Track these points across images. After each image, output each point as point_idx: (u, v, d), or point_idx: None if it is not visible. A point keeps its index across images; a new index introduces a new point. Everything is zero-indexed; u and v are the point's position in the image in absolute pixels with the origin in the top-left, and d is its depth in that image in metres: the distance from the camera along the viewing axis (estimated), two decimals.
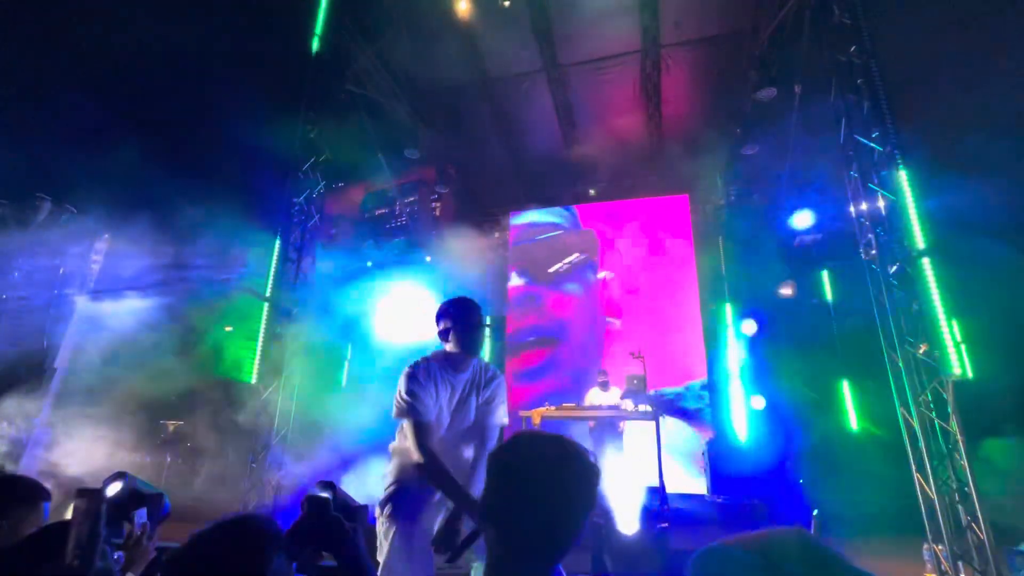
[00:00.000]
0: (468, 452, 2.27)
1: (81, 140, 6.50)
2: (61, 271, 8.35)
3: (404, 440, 2.21)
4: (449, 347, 2.28)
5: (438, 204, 10.80)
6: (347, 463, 8.15)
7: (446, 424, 2.25)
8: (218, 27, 6.19)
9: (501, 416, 2.29)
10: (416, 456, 2.06)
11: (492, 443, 2.28)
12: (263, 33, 6.37)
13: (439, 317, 2.32)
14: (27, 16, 5.88)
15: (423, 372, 2.19)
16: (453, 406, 2.26)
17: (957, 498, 3.70)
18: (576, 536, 0.89)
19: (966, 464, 3.66)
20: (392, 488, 2.15)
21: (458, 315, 2.28)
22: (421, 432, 2.07)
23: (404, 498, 2.10)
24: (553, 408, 5.64)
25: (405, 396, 2.15)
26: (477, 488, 2.06)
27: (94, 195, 6.69)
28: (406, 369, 2.24)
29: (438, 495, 2.13)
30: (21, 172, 6.41)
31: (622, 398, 5.69)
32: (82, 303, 7.71)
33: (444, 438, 2.23)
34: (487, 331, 2.39)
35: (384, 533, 2.06)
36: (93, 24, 6.06)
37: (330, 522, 1.11)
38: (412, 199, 10.41)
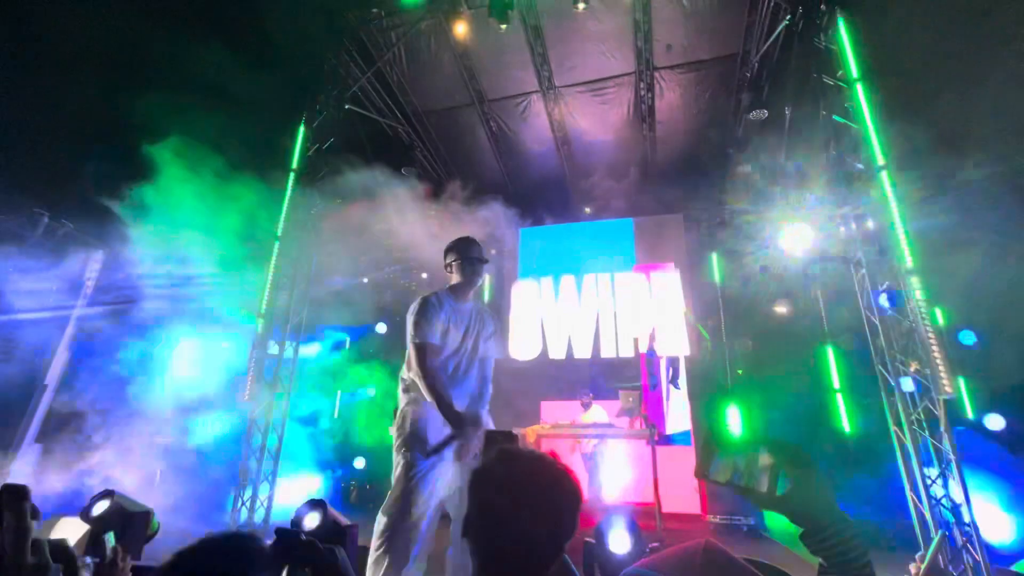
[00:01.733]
0: (473, 373, 2.58)
1: (81, 155, 6.56)
2: (54, 287, 8.33)
3: (409, 369, 2.49)
4: (453, 279, 2.65)
5: (434, 223, 10.87)
6: (337, 482, 8.05)
7: (454, 347, 2.55)
8: (218, 50, 6.30)
9: (497, 348, 2.67)
10: (416, 374, 2.34)
11: (490, 371, 2.64)
12: (265, 55, 6.47)
13: (445, 253, 2.73)
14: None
15: (433, 301, 2.51)
16: (461, 332, 2.58)
17: (951, 518, 3.68)
18: (557, 555, 0.89)
19: (959, 483, 3.65)
20: (405, 411, 2.45)
21: (460, 249, 2.67)
22: (421, 353, 2.37)
23: (417, 419, 2.38)
24: (548, 426, 5.64)
25: (413, 321, 2.45)
26: (477, 405, 2.46)
27: (91, 211, 6.71)
28: (418, 299, 2.55)
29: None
30: (18, 185, 6.44)
31: (617, 416, 5.68)
32: (75, 319, 7.67)
33: (453, 359, 2.54)
34: (484, 270, 2.71)
35: (397, 449, 2.37)
36: (92, 36, 6.14)
37: (301, 552, 1.10)
38: (408, 218, 10.46)
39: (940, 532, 3.56)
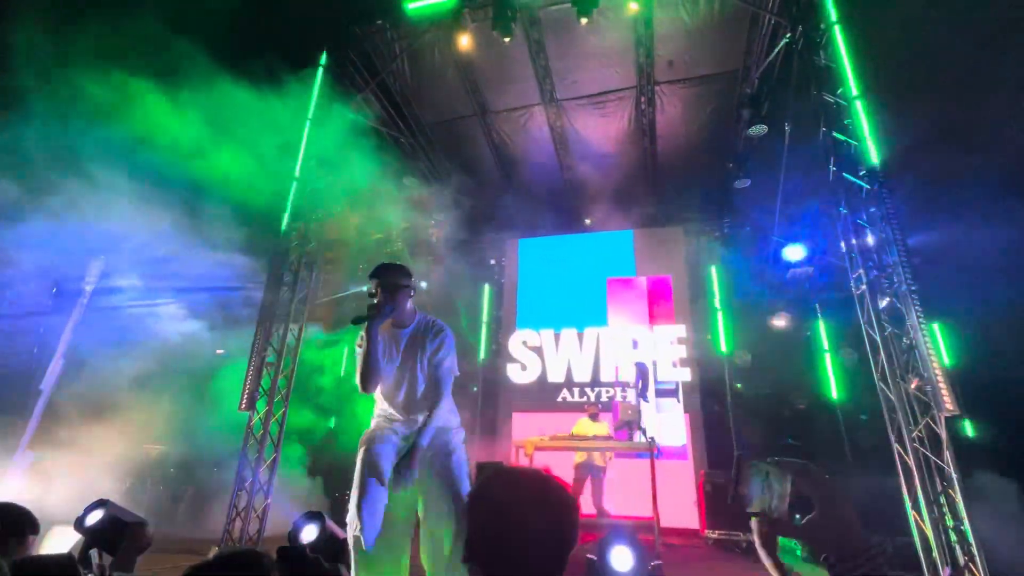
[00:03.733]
0: (420, 398, 2.53)
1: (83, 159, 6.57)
2: (53, 290, 8.31)
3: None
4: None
5: (435, 231, 10.90)
6: (334, 491, 7.96)
7: (391, 373, 2.54)
8: (224, 58, 6.36)
9: (450, 366, 2.56)
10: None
11: (446, 389, 2.54)
12: (268, 66, 6.53)
13: (406, 278, 2.64)
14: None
15: (372, 332, 2.48)
16: (399, 359, 2.55)
17: (953, 537, 3.65)
18: (559, 572, 0.89)
19: (961, 501, 3.63)
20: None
21: (383, 278, 2.55)
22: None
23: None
24: (547, 438, 5.58)
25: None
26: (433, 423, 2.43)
27: (91, 214, 6.72)
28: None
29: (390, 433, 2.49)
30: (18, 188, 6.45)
31: (616, 429, 5.63)
32: (72, 324, 7.64)
33: (393, 385, 2.53)
34: (411, 292, 2.60)
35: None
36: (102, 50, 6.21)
37: (308, 569, 1.08)
38: (408, 226, 10.50)
39: (947, 569, 3.53)
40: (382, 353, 2.48)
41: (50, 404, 7.29)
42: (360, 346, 2.46)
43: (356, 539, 2.23)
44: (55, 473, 6.56)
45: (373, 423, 2.61)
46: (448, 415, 2.52)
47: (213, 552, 4.84)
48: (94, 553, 1.62)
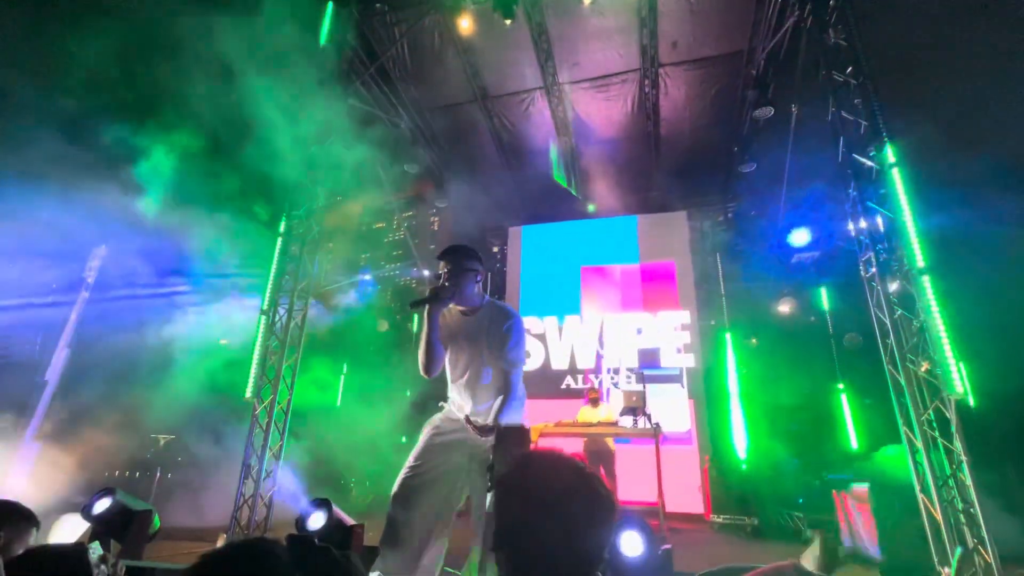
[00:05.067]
0: (488, 385, 2.44)
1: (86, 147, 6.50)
2: (54, 286, 8.29)
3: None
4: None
5: (436, 219, 10.83)
6: (339, 479, 8.01)
7: (457, 360, 2.48)
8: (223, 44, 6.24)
9: (516, 357, 2.41)
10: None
11: (515, 378, 2.42)
12: (265, 51, 6.41)
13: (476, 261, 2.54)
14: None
15: (433, 317, 2.40)
16: (470, 345, 2.46)
17: (963, 519, 3.64)
18: (594, 570, 0.83)
19: (971, 484, 3.61)
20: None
21: (451, 260, 2.45)
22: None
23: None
24: (552, 425, 5.58)
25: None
26: (504, 413, 2.31)
27: (92, 204, 6.67)
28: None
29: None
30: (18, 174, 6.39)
31: (620, 415, 5.62)
32: (75, 315, 7.63)
33: (459, 372, 2.48)
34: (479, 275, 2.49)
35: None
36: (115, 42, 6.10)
37: (317, 557, 1.06)
38: (410, 213, 10.45)
39: (960, 549, 3.52)
40: (445, 338, 2.44)
41: (55, 394, 7.31)
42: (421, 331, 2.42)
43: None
44: (62, 463, 6.60)
45: (444, 408, 2.61)
46: (514, 413, 2.40)
47: (221, 539, 4.87)
48: (96, 545, 1.61)
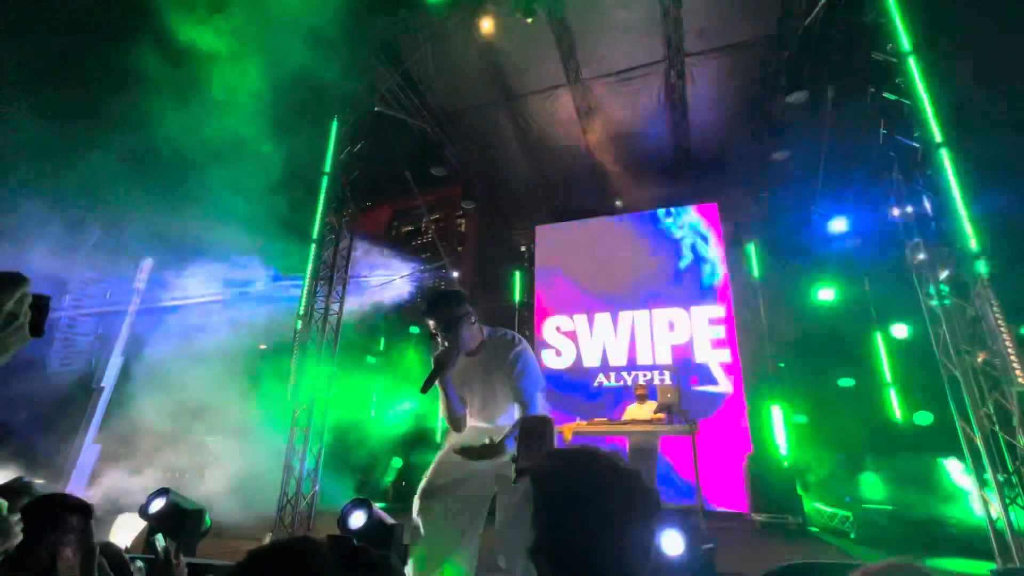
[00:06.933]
0: (506, 415, 2.36)
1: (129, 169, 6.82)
2: (108, 295, 8.74)
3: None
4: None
5: (463, 220, 10.91)
6: (377, 481, 8.18)
7: (479, 401, 2.39)
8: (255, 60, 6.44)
9: (530, 385, 2.24)
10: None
11: (534, 406, 2.23)
12: (297, 65, 6.58)
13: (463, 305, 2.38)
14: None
15: (446, 386, 2.29)
16: (482, 385, 2.37)
17: None
18: (640, 572, 0.79)
19: None
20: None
21: (438, 316, 2.30)
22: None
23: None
24: (584, 423, 5.53)
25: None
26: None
27: (140, 218, 7.00)
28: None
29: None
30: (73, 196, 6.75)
31: (656, 412, 5.51)
32: (127, 323, 8.03)
33: (479, 411, 2.39)
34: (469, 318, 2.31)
35: None
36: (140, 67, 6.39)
37: (357, 558, 1.07)
38: (438, 216, 10.57)
39: None
40: (458, 386, 2.36)
41: (111, 400, 7.73)
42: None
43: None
44: (121, 464, 6.96)
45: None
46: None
47: (268, 537, 5.04)
48: (159, 537, 1.68)
